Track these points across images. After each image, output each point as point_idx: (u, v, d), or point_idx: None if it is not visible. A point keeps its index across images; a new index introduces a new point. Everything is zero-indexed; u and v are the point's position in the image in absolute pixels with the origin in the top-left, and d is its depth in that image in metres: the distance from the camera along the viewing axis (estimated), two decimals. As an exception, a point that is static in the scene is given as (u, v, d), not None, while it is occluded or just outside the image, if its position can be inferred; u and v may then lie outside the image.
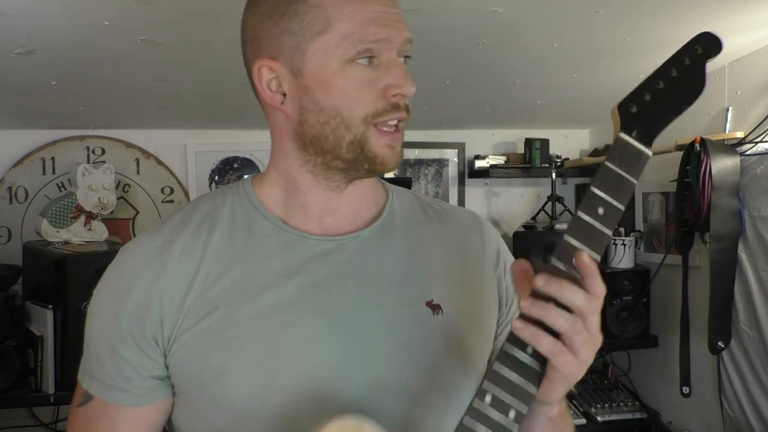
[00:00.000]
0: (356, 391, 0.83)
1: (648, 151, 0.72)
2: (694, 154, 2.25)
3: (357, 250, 0.88)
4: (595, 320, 0.69)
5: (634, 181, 0.71)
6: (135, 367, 0.84)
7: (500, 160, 3.17)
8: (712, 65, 0.79)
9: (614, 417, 2.70)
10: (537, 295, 0.69)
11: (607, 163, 0.71)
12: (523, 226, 3.01)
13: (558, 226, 2.92)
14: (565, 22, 1.88)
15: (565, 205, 3.09)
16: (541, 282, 0.69)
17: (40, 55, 1.89)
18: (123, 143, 2.87)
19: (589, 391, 2.82)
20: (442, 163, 3.26)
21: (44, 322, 2.19)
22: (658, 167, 2.59)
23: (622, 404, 2.75)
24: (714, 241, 2.22)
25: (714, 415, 2.46)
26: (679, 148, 2.33)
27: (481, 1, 1.70)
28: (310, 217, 0.89)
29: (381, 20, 0.81)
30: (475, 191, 3.29)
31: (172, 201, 2.93)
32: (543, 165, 3.07)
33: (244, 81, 0.89)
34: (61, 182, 2.78)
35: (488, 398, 0.71)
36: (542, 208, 3.10)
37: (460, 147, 3.26)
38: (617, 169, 0.71)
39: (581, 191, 3.31)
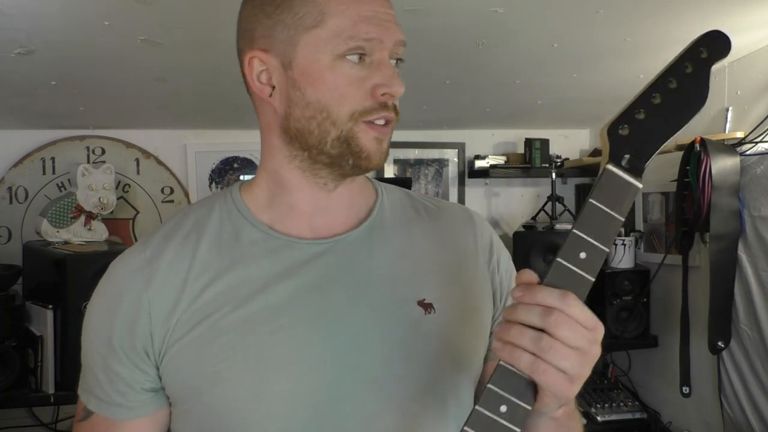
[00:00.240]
0: (351, 393, 0.82)
1: (638, 184, 0.67)
2: (694, 154, 2.25)
3: (346, 251, 0.88)
4: (568, 333, 0.66)
5: (621, 219, 0.66)
6: (127, 382, 0.85)
7: (500, 160, 3.17)
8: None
9: (614, 417, 2.70)
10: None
11: (592, 200, 0.66)
12: (523, 226, 3.01)
13: (558, 226, 2.92)
14: (565, 22, 1.88)
15: (565, 205, 3.09)
16: (506, 311, 0.69)
17: (40, 55, 1.89)
18: (123, 143, 2.88)
19: (589, 391, 2.82)
20: (442, 163, 3.26)
21: (44, 322, 2.19)
22: (658, 167, 2.58)
23: (622, 404, 2.76)
24: (714, 241, 2.22)
25: (714, 415, 2.46)
26: (679, 148, 2.33)
27: (481, 1, 1.70)
28: (300, 218, 0.88)
29: (375, 20, 0.80)
30: (475, 191, 3.29)
31: (172, 201, 2.93)
32: (543, 165, 3.07)
33: (244, 80, 0.89)
34: (61, 182, 2.78)
35: (487, 411, 0.69)
36: (542, 208, 3.10)
37: (460, 147, 3.27)
38: (603, 207, 0.66)
39: (581, 191, 3.31)
